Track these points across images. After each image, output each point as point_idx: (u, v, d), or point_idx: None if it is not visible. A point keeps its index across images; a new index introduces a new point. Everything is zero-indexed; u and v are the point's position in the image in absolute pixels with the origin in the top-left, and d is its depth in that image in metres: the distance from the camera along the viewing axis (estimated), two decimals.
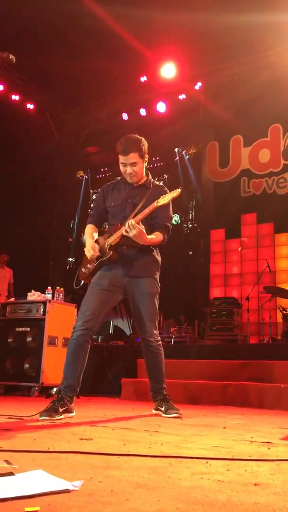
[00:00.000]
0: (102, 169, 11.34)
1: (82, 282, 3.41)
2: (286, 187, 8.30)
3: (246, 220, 8.56)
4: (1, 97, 9.51)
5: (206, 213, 9.27)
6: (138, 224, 2.95)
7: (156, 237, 3.12)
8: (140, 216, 3.01)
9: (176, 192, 2.96)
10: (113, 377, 5.60)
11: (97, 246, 3.20)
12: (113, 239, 3.12)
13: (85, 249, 3.27)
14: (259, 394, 4.30)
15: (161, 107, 9.55)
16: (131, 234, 2.95)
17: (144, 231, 2.98)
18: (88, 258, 3.24)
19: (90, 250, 3.19)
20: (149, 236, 3.04)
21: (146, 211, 3.00)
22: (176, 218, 9.81)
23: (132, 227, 2.92)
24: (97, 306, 3.05)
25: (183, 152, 10.21)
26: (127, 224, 2.95)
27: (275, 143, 8.63)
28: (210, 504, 1.05)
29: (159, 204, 2.96)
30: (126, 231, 2.96)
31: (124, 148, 3.10)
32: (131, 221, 2.93)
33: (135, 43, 7.86)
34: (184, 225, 10.03)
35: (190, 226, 10.04)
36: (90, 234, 3.32)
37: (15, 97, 9.66)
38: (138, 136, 3.19)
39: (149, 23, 7.53)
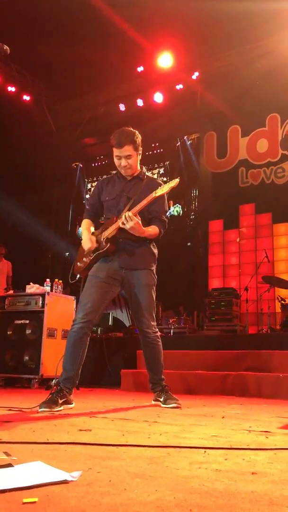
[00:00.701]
0: (98, 157, 11.28)
1: (78, 276, 3.42)
2: (284, 177, 8.28)
3: (244, 211, 8.56)
4: None
5: (204, 204, 9.24)
6: (135, 216, 2.96)
7: (152, 230, 3.13)
8: (137, 207, 3.01)
9: (175, 182, 2.95)
10: (113, 368, 5.62)
11: (94, 238, 3.21)
12: (109, 232, 3.13)
13: (82, 242, 3.27)
14: (257, 384, 4.32)
15: (158, 97, 9.50)
16: (128, 226, 2.95)
17: (141, 223, 2.98)
18: (86, 250, 3.25)
19: (87, 242, 3.19)
20: (145, 228, 3.05)
21: (144, 202, 3.00)
22: (178, 209, 9.76)
23: (129, 219, 2.93)
24: (97, 299, 3.06)
25: (185, 137, 10.07)
26: (123, 216, 2.96)
27: (273, 132, 8.60)
28: (207, 493, 1.06)
29: (157, 195, 2.97)
30: (123, 223, 2.96)
31: (119, 141, 3.10)
32: (128, 213, 2.94)
33: (132, 32, 7.81)
34: (187, 218, 9.87)
35: (193, 217, 9.85)
36: (86, 228, 3.33)
37: (11, 89, 9.59)
38: (132, 129, 3.19)
39: (145, 12, 7.47)
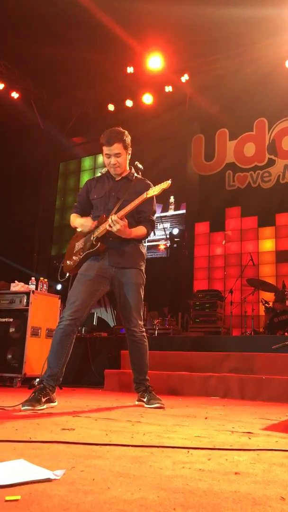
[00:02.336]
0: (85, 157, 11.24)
1: (67, 274, 3.41)
2: (270, 181, 8.35)
3: (230, 214, 8.61)
4: None
5: (191, 206, 9.28)
6: (122, 219, 2.99)
7: (139, 230, 3.15)
8: (127, 208, 3.03)
9: (166, 184, 2.99)
10: (97, 368, 5.60)
11: (90, 219, 3.20)
12: (99, 231, 3.13)
13: (79, 225, 3.26)
14: (240, 386, 4.34)
15: (147, 98, 9.51)
16: (114, 229, 2.99)
17: (127, 226, 3.00)
18: (85, 232, 3.24)
19: (87, 222, 3.20)
20: (132, 230, 3.07)
21: (135, 202, 3.02)
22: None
23: (115, 222, 2.96)
24: (86, 297, 3.06)
25: None
26: (109, 219, 2.98)
27: (260, 137, 8.67)
28: (191, 493, 1.06)
29: (148, 196, 3.01)
30: (110, 226, 2.98)
31: (108, 139, 3.14)
32: (113, 217, 2.98)
33: (121, 33, 7.79)
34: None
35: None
36: (77, 217, 3.33)
37: (0, 85, 9.51)
38: (121, 129, 3.23)
39: (136, 13, 7.47)
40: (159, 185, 3.00)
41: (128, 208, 3.03)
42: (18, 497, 0.98)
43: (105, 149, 3.17)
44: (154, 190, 2.98)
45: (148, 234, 3.24)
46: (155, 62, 8.78)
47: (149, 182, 3.30)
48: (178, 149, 9.54)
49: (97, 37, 8.04)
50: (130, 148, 3.27)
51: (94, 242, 3.15)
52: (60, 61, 8.67)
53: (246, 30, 7.84)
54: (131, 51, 8.43)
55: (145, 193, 3.01)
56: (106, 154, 3.18)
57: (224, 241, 8.36)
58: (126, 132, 3.22)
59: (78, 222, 3.28)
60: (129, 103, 9.70)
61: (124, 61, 8.97)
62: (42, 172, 11.02)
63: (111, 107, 9.86)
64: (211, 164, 9.09)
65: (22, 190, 10.25)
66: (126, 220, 3.04)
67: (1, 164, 10.19)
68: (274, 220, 8.05)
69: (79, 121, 10.49)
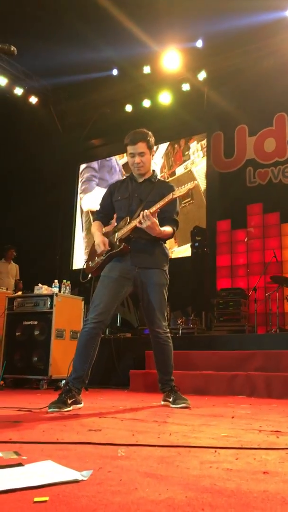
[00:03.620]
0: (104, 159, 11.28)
1: (90, 275, 3.43)
2: None
3: (252, 210, 8.51)
4: (4, 91, 9.48)
5: (212, 204, 9.21)
6: (153, 215, 2.99)
7: (167, 230, 3.15)
8: (156, 207, 3.04)
9: (192, 185, 2.99)
10: (122, 369, 5.62)
11: (107, 240, 3.22)
12: (122, 232, 3.15)
13: (95, 244, 3.28)
14: (267, 384, 4.29)
15: (165, 97, 9.49)
16: (144, 225, 2.97)
17: (157, 223, 3.00)
18: (98, 252, 3.26)
19: (100, 245, 3.20)
20: (162, 229, 3.06)
21: (162, 202, 3.03)
22: None
23: (147, 218, 2.95)
24: (109, 299, 3.06)
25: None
26: (141, 214, 2.98)
27: (280, 132, 8.55)
28: (219, 493, 1.05)
29: (175, 196, 3.02)
30: (140, 222, 2.98)
31: (132, 139, 3.18)
32: (146, 212, 2.95)
33: (138, 32, 7.80)
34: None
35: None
36: (98, 229, 3.36)
37: (19, 90, 9.63)
38: (146, 130, 3.27)
39: (152, 11, 7.47)
40: (185, 185, 3.00)
41: (156, 207, 3.03)
42: (47, 498, 0.99)
43: (129, 149, 3.20)
44: (180, 191, 2.99)
45: (173, 234, 3.23)
46: (171, 60, 8.75)
47: (172, 184, 3.34)
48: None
49: (114, 37, 8.04)
50: (154, 150, 3.31)
51: (118, 243, 3.16)
52: (76, 64, 8.71)
53: (262, 23, 7.75)
54: (147, 50, 8.42)
55: (171, 193, 3.01)
56: (130, 153, 3.21)
57: (246, 239, 8.27)
58: (150, 133, 3.26)
59: (96, 238, 3.28)
60: (146, 103, 9.69)
61: (140, 60, 8.97)
62: (62, 175, 11.09)
63: (128, 107, 9.87)
64: (231, 161, 9.01)
65: (42, 192, 10.34)
66: (157, 218, 3.04)
67: (21, 167, 10.31)
68: None
69: (97, 122, 10.54)
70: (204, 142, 9.48)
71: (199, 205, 9.18)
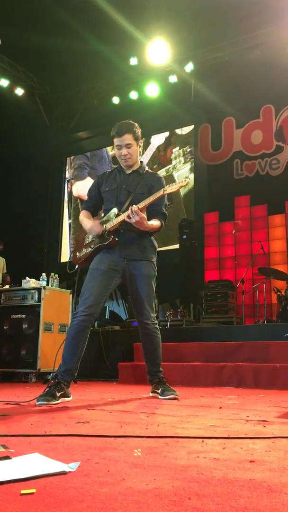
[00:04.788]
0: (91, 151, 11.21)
1: (77, 266, 3.41)
2: (279, 168, 8.26)
3: (239, 203, 8.53)
4: None
5: (199, 196, 9.22)
6: (142, 211, 2.98)
7: (155, 223, 3.14)
8: (145, 202, 3.03)
9: (185, 182, 2.98)
10: (110, 361, 5.63)
11: (98, 222, 3.20)
12: (111, 225, 3.13)
13: (87, 229, 3.26)
14: (254, 375, 4.33)
15: (152, 89, 9.44)
16: (133, 220, 2.97)
17: (145, 218, 2.99)
18: (91, 237, 3.24)
19: (94, 227, 3.19)
20: (149, 222, 3.05)
21: (152, 198, 3.02)
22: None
23: (136, 213, 2.93)
24: (99, 292, 3.06)
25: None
26: (130, 209, 2.96)
27: (267, 124, 8.57)
28: (206, 482, 1.06)
29: (166, 192, 3.00)
30: (129, 217, 2.97)
31: (119, 130, 3.17)
32: (135, 207, 2.94)
33: (124, 23, 7.73)
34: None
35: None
36: (87, 217, 3.34)
37: (4, 82, 9.50)
38: (132, 121, 3.26)
39: (139, 2, 7.41)
40: (178, 183, 2.97)
41: (147, 201, 3.01)
42: (34, 491, 0.98)
43: (116, 141, 3.18)
44: (172, 188, 2.97)
45: (161, 228, 3.23)
46: (158, 51, 8.69)
47: (160, 176, 3.34)
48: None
49: (100, 29, 7.96)
50: (141, 141, 3.30)
51: (106, 236, 3.15)
52: (63, 55, 8.63)
53: (249, 15, 7.73)
54: (134, 42, 8.36)
55: (162, 189, 2.99)
56: (117, 145, 3.20)
57: (234, 231, 8.30)
58: (137, 125, 3.24)
59: (86, 224, 3.27)
60: (133, 95, 9.64)
61: (127, 52, 8.89)
62: (49, 167, 11.01)
63: (115, 99, 9.81)
64: (219, 153, 9.01)
65: (29, 185, 10.26)
66: (145, 213, 3.04)
67: (7, 160, 10.20)
68: (284, 207, 7.97)
69: (84, 115, 10.46)
70: (187, 148, 9.50)
71: (178, 208, 9.18)
